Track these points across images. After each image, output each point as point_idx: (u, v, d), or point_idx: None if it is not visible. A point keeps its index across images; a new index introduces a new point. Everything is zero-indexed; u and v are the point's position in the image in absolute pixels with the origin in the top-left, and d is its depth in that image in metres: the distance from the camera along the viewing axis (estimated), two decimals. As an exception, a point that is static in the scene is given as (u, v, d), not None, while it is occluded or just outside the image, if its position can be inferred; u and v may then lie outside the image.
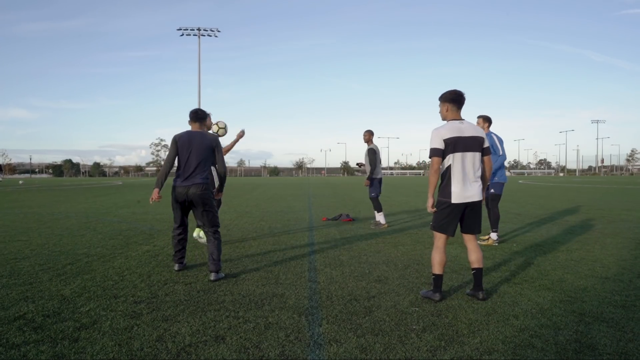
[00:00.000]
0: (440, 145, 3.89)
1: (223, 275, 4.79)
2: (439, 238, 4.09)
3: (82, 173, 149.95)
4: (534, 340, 3.06)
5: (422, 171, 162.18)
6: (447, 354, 2.85)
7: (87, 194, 22.93)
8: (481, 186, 4.02)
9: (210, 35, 53.77)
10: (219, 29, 53.75)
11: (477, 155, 3.98)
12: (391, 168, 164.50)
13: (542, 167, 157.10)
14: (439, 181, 4.01)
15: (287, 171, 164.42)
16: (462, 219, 4.07)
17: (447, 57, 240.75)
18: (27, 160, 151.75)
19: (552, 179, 63.36)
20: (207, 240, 4.89)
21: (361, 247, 6.65)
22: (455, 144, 3.88)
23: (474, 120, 6.76)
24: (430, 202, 4.03)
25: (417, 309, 3.72)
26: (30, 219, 10.42)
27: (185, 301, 3.94)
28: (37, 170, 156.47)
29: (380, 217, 8.90)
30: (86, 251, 6.28)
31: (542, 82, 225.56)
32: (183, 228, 5.05)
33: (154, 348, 2.95)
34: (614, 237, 7.41)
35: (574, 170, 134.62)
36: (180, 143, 4.83)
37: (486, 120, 6.89)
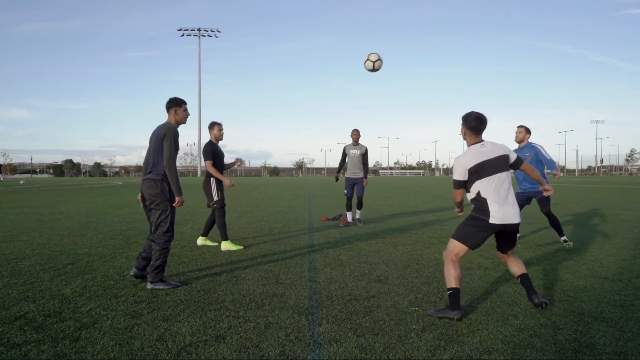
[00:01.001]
0: (464, 177, 3.78)
1: (160, 287, 4.29)
2: (459, 250, 3.72)
3: (83, 173, 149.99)
4: (534, 340, 3.07)
5: (421, 171, 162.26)
6: (447, 354, 2.86)
7: (88, 194, 22.94)
8: (518, 208, 3.81)
9: (211, 36, 53.87)
10: (219, 29, 53.86)
11: (507, 174, 3.79)
12: (391, 168, 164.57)
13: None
14: (472, 206, 3.84)
15: (287, 171, 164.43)
16: (497, 239, 3.89)
17: (447, 57, 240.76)
18: (27, 161, 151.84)
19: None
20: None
21: (361, 247, 6.65)
22: (480, 171, 3.73)
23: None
24: (457, 209, 4.11)
25: (417, 308, 3.73)
26: (31, 219, 10.44)
27: (185, 301, 3.95)
28: (37, 170, 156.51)
29: (349, 216, 9.26)
30: (87, 251, 6.29)
31: (541, 82, 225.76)
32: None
33: (154, 348, 2.96)
34: (613, 237, 7.42)
35: (574, 170, 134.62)
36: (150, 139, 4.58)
37: (528, 131, 6.88)
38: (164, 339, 3.09)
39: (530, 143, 6.85)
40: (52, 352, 2.89)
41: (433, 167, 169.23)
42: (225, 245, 6.44)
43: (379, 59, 6.31)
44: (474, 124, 3.83)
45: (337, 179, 9.56)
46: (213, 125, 6.59)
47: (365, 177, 9.22)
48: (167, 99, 4.61)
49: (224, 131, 6.65)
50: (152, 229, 4.46)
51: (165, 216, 4.41)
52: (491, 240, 6.79)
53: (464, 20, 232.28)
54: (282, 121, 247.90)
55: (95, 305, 3.82)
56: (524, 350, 2.91)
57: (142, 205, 4.63)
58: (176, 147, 4.50)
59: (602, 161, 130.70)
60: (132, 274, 4.57)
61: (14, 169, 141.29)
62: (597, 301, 3.89)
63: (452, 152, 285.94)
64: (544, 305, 3.65)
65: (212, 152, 6.47)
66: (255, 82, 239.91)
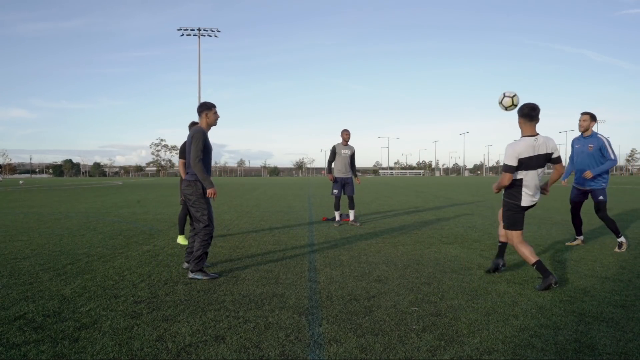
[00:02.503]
0: (515, 163, 4.27)
1: (199, 277, 4.66)
2: (516, 235, 4.49)
3: (83, 173, 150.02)
4: (534, 340, 3.06)
5: (422, 171, 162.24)
6: (447, 354, 2.86)
7: (88, 194, 22.93)
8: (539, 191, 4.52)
9: (210, 36, 53.70)
10: (219, 29, 53.70)
11: (542, 170, 4.43)
12: (391, 168, 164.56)
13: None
14: (505, 190, 4.58)
15: (287, 171, 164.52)
16: None
17: (447, 58, 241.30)
18: (27, 161, 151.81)
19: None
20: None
21: (361, 247, 6.65)
22: (529, 163, 4.28)
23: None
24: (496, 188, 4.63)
25: (417, 309, 3.72)
26: (31, 219, 10.43)
27: (185, 301, 3.94)
28: (37, 170, 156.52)
29: (337, 215, 9.38)
30: (86, 251, 6.28)
31: (541, 82, 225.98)
32: (194, 230, 5.00)
33: (154, 348, 2.95)
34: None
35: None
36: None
37: (594, 118, 6.24)
38: (164, 339, 3.08)
39: (596, 134, 6.20)
40: (51, 352, 2.88)
41: (433, 167, 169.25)
42: (179, 239, 6.94)
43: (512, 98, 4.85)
44: (527, 112, 4.32)
45: (335, 180, 9.27)
46: (194, 125, 6.67)
47: (356, 176, 9.54)
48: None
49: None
50: (195, 222, 4.85)
51: (202, 213, 4.76)
52: (492, 241, 6.74)
53: (463, 23, 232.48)
54: (282, 121, 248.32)
55: (94, 305, 3.82)
56: (524, 351, 2.90)
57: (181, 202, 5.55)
58: (206, 147, 4.76)
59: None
60: (184, 267, 5.12)
61: (13, 169, 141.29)
62: (597, 301, 3.88)
63: (452, 152, 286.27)
64: (497, 269, 4.81)
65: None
66: (255, 83, 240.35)
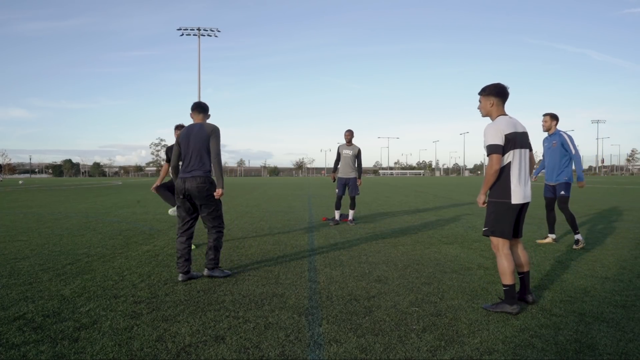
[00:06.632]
0: (502, 141, 3.57)
1: (217, 274, 4.72)
2: (503, 244, 3.70)
3: (82, 173, 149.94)
4: (534, 340, 3.06)
5: (422, 171, 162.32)
6: (447, 354, 2.85)
7: (87, 194, 22.92)
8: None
9: (210, 35, 53.76)
10: (219, 29, 53.75)
11: (529, 152, 3.78)
12: (391, 168, 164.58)
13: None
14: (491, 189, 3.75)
15: (287, 171, 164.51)
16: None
17: (447, 58, 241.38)
18: (27, 160, 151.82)
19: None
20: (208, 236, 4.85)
21: (361, 247, 6.64)
22: (514, 140, 3.61)
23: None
24: (482, 198, 3.77)
25: (417, 309, 3.72)
26: (30, 219, 10.42)
27: (185, 301, 3.94)
28: (37, 170, 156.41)
29: (337, 214, 9.47)
30: (86, 251, 6.28)
31: (542, 82, 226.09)
32: (186, 232, 4.72)
33: (154, 348, 2.95)
34: (614, 237, 7.41)
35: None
36: (180, 138, 4.80)
37: (554, 117, 6.69)
38: (164, 340, 3.08)
39: (559, 131, 6.62)
40: (51, 352, 2.88)
41: (433, 167, 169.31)
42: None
43: None
44: (500, 90, 3.72)
45: (334, 180, 9.77)
46: (179, 127, 6.63)
47: (359, 177, 9.53)
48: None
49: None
50: (208, 222, 4.79)
51: (221, 211, 4.85)
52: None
53: (464, 23, 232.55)
54: (282, 121, 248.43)
55: (94, 305, 3.81)
56: (524, 351, 2.90)
57: (179, 199, 4.72)
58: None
59: (602, 161, 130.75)
60: (180, 279, 4.63)
61: (12, 169, 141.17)
62: (598, 301, 3.88)
63: (452, 152, 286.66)
64: (533, 302, 3.82)
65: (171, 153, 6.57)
66: (255, 83, 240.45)
